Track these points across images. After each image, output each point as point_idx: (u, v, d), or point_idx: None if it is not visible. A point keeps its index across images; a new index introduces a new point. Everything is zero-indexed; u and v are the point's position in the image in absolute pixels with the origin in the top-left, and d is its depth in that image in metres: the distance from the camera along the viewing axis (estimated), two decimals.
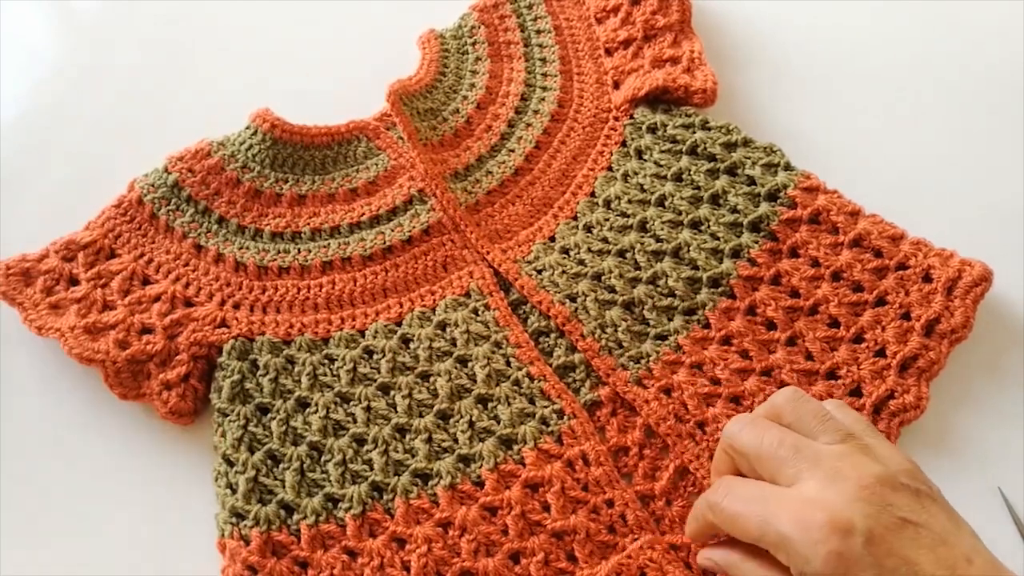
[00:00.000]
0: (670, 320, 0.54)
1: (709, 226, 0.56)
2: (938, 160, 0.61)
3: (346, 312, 0.55)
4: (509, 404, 0.51)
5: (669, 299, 0.54)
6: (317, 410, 0.51)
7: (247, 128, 0.59)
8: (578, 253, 0.56)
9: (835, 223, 0.55)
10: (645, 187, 0.58)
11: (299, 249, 0.57)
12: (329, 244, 0.57)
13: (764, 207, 0.55)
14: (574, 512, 0.48)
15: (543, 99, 0.62)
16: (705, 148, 0.58)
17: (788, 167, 0.57)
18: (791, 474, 0.39)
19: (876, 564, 0.35)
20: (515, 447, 0.50)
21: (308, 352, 0.53)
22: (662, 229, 0.56)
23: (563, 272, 0.56)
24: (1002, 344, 0.54)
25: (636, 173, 0.59)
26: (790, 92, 0.64)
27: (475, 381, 0.52)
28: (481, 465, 0.49)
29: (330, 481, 0.49)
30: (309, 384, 0.52)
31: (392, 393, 0.52)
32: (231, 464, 0.50)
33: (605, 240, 0.57)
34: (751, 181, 0.57)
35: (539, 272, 0.56)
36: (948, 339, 0.52)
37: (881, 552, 0.35)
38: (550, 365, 0.53)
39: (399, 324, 0.55)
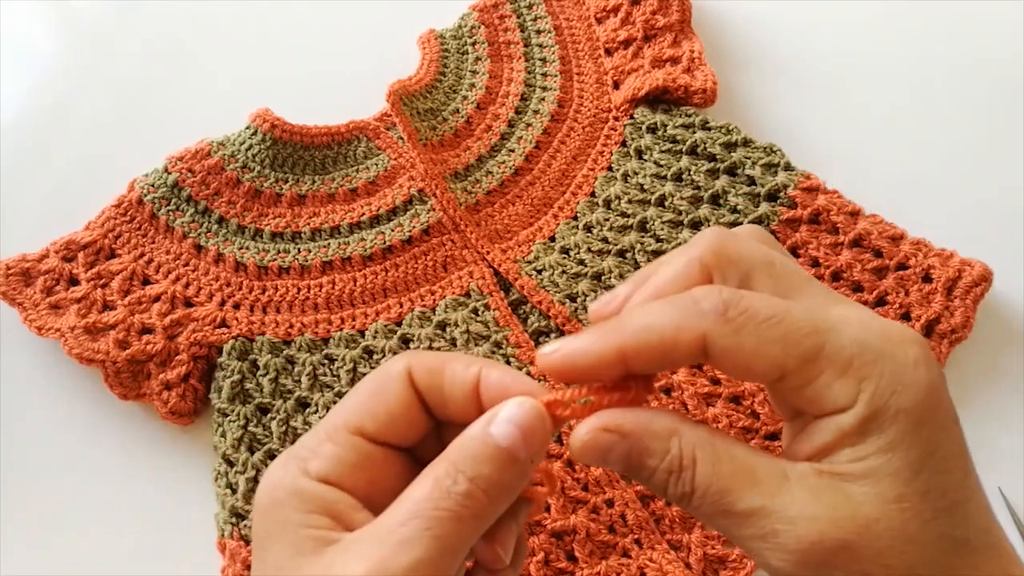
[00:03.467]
0: None
1: (709, 226, 0.56)
2: (938, 160, 0.61)
3: (346, 312, 0.55)
4: None
5: None
6: (317, 410, 0.51)
7: (247, 128, 0.59)
8: (578, 253, 0.56)
9: (835, 223, 0.55)
10: (645, 187, 0.58)
11: (299, 249, 0.57)
12: (329, 244, 0.57)
13: (764, 207, 0.55)
14: (574, 512, 0.48)
15: (543, 99, 0.62)
16: (705, 148, 0.58)
17: (788, 167, 0.57)
18: (823, 295, 0.28)
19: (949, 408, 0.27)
20: None
21: (308, 352, 0.53)
22: (662, 229, 0.56)
23: (563, 272, 0.56)
24: (1002, 344, 0.54)
25: (636, 173, 0.58)
26: (790, 92, 0.64)
27: None
28: None
29: None
30: (309, 384, 0.52)
31: None
32: (231, 464, 0.50)
33: (605, 240, 0.57)
34: (751, 181, 0.57)
35: (539, 272, 0.56)
36: (948, 339, 0.52)
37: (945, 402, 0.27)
38: None
39: (399, 324, 0.55)
